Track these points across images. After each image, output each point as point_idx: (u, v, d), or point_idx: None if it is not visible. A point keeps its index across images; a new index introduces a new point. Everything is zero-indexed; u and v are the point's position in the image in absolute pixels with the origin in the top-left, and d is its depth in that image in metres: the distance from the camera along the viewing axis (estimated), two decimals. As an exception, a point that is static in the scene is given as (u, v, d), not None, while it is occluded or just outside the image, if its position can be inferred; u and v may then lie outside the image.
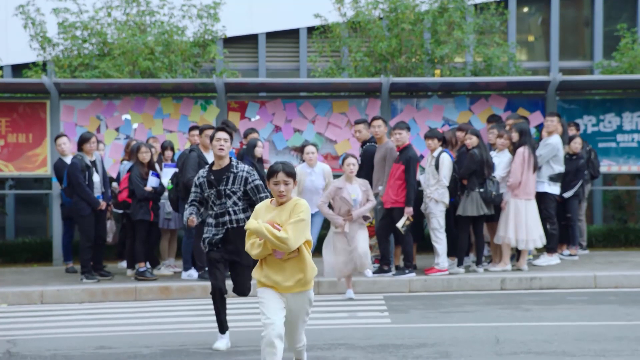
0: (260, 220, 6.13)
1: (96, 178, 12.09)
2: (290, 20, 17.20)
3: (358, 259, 10.70)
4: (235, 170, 7.97)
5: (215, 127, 12.76)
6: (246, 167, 7.99)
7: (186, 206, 8.13)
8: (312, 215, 11.11)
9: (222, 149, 8.03)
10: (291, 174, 6.16)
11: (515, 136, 12.03)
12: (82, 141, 12.01)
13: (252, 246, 6.21)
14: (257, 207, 6.32)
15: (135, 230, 11.98)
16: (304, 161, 12.26)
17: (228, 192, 7.94)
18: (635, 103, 14.03)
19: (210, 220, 8.05)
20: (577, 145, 12.84)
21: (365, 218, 10.89)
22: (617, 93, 14.68)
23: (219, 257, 7.97)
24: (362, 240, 10.79)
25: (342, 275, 10.78)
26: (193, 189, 8.12)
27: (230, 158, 8.08)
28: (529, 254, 12.60)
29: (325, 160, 13.75)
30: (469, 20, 15.32)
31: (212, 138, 8.08)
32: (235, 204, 7.98)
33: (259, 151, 12.15)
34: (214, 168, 8.08)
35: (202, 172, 8.10)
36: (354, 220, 10.77)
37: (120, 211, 12.38)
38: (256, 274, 6.30)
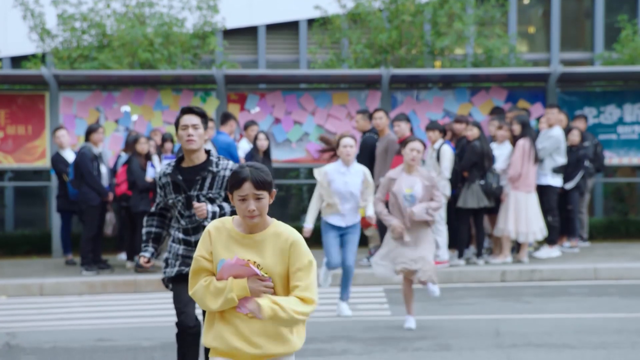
0: (227, 258, 4.02)
1: (104, 169, 12.10)
2: (290, 12, 17.15)
3: (418, 269, 8.39)
4: (214, 169, 5.79)
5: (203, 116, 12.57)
6: (230, 164, 5.84)
7: (145, 222, 6.05)
8: (345, 230, 9.21)
9: (192, 140, 5.73)
10: (264, 185, 4.01)
11: (517, 128, 12.01)
12: (90, 131, 12.01)
13: (206, 290, 4.04)
14: (212, 228, 4.11)
15: (134, 222, 11.96)
16: (333, 155, 10.02)
17: (203, 199, 5.78)
18: (636, 95, 13.99)
19: (179, 235, 5.89)
20: (575, 137, 12.80)
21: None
22: (617, 85, 14.65)
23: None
24: (427, 249, 8.48)
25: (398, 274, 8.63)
26: (157, 191, 5.99)
27: (207, 152, 5.89)
28: (529, 246, 12.59)
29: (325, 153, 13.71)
30: (470, 12, 15.27)
31: (176, 126, 5.84)
32: (213, 215, 5.79)
33: (261, 144, 12.05)
34: (184, 165, 5.85)
35: (167, 168, 5.88)
36: (415, 218, 8.37)
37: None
38: (206, 336, 4.13)
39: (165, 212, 6.01)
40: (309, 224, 9.24)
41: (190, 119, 5.74)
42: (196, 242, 5.70)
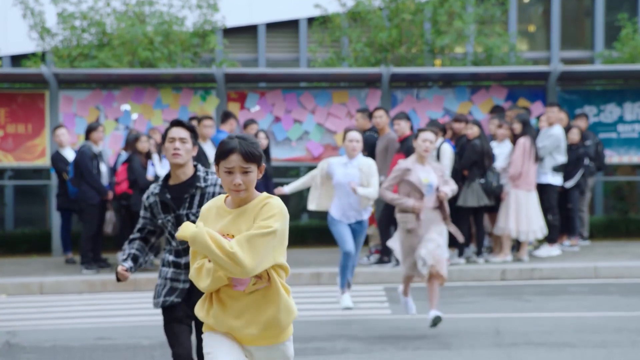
0: (202, 224, 3.92)
1: (103, 168, 12.10)
2: (290, 11, 17.14)
3: (420, 260, 8.16)
4: (202, 184, 5.40)
5: (200, 117, 12.53)
6: (219, 180, 4.89)
7: (125, 244, 5.62)
8: (354, 226, 9.00)
9: (178, 154, 5.38)
10: (253, 157, 3.85)
11: (518, 127, 12.01)
12: (90, 130, 12.03)
13: (198, 272, 3.96)
14: (204, 207, 4.09)
15: (135, 220, 11.95)
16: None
17: (193, 218, 5.36)
18: (636, 93, 13.98)
19: (169, 257, 5.50)
20: (574, 136, 12.80)
21: (445, 217, 8.36)
22: (618, 83, 14.65)
23: (183, 315, 5.39)
24: (435, 238, 8.22)
25: (406, 277, 8.50)
26: (141, 213, 5.57)
27: (195, 167, 5.49)
28: (529, 244, 12.59)
29: (325, 152, 13.71)
30: (470, 10, 15.26)
31: (164, 138, 5.50)
32: None
33: (260, 143, 12.07)
34: (172, 182, 5.49)
35: (154, 187, 5.50)
36: (443, 197, 8.26)
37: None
38: (200, 311, 4.06)
39: (149, 237, 5.56)
40: (287, 188, 9.19)
41: (179, 132, 5.42)
42: (186, 264, 5.35)
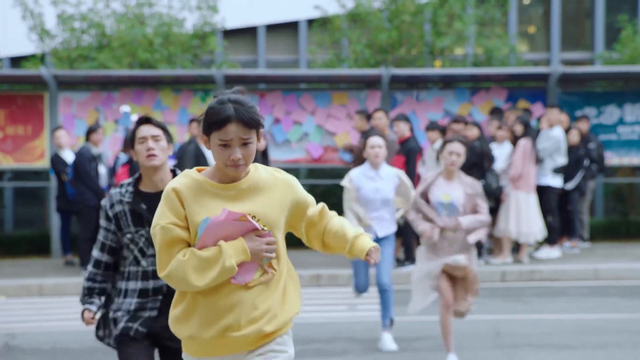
0: (201, 207, 3.15)
1: (102, 170, 12.10)
2: (290, 12, 17.14)
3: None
4: None
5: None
6: None
7: (87, 274, 4.69)
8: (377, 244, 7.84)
9: (153, 154, 4.47)
10: (255, 124, 3.14)
11: (519, 128, 12.01)
12: (90, 132, 12.04)
13: (187, 267, 3.10)
14: (177, 188, 3.17)
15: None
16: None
17: None
18: (637, 95, 13.98)
19: (132, 284, 4.52)
20: (574, 138, 12.79)
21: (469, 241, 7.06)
22: (618, 85, 14.65)
23: (141, 336, 4.47)
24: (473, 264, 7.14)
25: (418, 306, 7.42)
26: (103, 223, 4.54)
27: (172, 171, 4.59)
28: (529, 246, 12.58)
29: (324, 153, 13.70)
30: (470, 12, 15.26)
31: (132, 138, 4.57)
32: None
33: (259, 144, 12.07)
34: (144, 189, 4.53)
35: (121, 194, 4.50)
36: (461, 227, 6.97)
37: None
38: (180, 326, 3.24)
39: (115, 257, 4.60)
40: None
41: (149, 130, 4.52)
42: (154, 289, 4.42)
